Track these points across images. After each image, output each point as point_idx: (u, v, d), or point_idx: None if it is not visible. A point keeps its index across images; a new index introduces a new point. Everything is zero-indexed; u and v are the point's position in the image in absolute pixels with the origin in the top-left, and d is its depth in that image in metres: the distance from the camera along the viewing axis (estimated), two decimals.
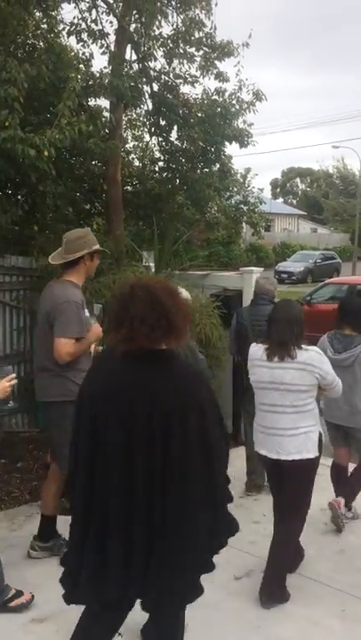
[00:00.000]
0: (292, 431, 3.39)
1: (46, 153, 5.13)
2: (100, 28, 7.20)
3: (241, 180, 12.03)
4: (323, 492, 4.76)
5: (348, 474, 4.61)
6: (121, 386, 2.24)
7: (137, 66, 7.53)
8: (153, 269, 6.86)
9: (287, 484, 3.56)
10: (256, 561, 4.00)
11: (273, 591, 3.53)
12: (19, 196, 6.74)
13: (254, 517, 4.66)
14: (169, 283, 2.53)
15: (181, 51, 7.70)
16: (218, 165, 8.33)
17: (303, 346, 3.42)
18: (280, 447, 3.45)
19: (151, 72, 7.69)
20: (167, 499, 2.17)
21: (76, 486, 2.33)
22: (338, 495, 4.46)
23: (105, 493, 2.24)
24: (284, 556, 3.63)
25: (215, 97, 7.92)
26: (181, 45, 7.68)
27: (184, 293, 3.26)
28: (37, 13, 6.88)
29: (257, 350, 3.58)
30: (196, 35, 7.73)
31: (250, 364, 3.65)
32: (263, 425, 3.57)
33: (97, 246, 3.93)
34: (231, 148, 8.20)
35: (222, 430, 2.37)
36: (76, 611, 2.51)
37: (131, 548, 2.20)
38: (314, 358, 3.39)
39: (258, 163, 21.22)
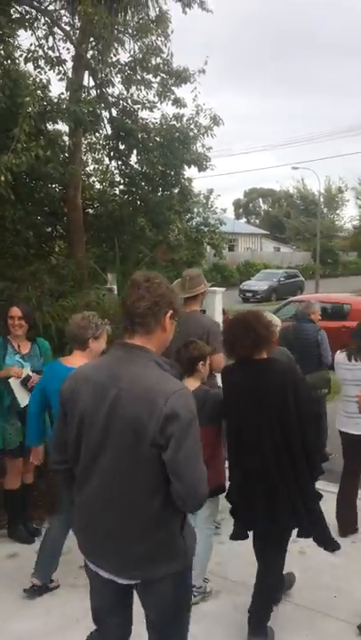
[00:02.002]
0: None
1: (3, 178, 5.14)
2: (58, 54, 7.29)
3: (204, 201, 12.20)
4: None
5: None
6: (235, 384, 3.24)
7: (95, 92, 7.61)
8: (116, 291, 6.88)
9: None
10: (222, 582, 3.99)
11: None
12: None
13: (219, 539, 4.66)
14: (259, 311, 3.46)
15: (139, 77, 7.82)
16: (178, 188, 8.45)
17: None
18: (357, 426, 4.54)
19: (109, 98, 7.79)
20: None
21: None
22: None
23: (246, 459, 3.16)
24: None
25: (173, 122, 8.05)
26: (139, 72, 7.80)
27: (275, 320, 4.19)
28: None
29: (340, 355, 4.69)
30: (154, 61, 7.87)
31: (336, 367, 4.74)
32: (346, 410, 4.61)
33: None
34: (193, 170, 8.34)
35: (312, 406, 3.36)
36: None
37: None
38: None
39: (220, 184, 21.58)
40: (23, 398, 4.39)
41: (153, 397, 2.05)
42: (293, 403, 3.04)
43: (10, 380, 4.41)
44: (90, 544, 2.28)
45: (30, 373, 4.43)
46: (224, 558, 4.25)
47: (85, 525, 2.28)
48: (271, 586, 3.39)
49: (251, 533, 3.37)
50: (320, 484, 4.03)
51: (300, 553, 4.39)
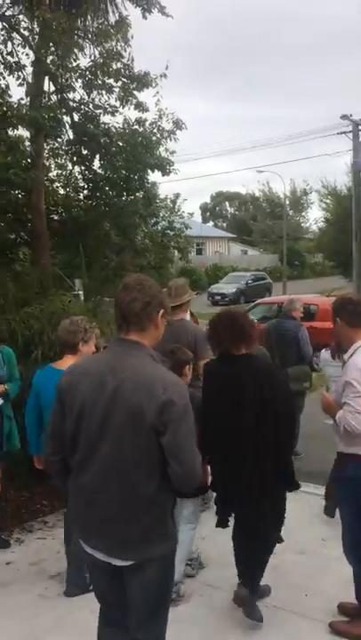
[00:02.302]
0: None
1: None
2: (17, 60, 7.23)
3: (171, 206, 12.23)
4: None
5: None
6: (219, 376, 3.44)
7: (55, 97, 7.57)
8: (82, 297, 6.83)
9: None
10: (195, 585, 3.98)
11: None
12: None
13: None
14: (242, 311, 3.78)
15: (100, 82, 7.82)
16: (142, 193, 8.45)
17: None
18: None
19: (70, 103, 7.77)
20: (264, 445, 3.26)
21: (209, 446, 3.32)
22: None
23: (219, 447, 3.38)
24: None
25: (136, 126, 8.06)
26: (100, 76, 7.80)
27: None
28: None
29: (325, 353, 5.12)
30: (114, 66, 7.88)
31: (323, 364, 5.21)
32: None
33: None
34: (158, 175, 8.37)
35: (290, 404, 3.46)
36: None
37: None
38: None
39: (187, 188, 21.62)
40: None
41: (152, 386, 2.23)
42: (271, 399, 3.23)
43: None
44: (87, 528, 2.39)
45: None
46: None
47: (83, 510, 2.38)
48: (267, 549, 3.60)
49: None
50: None
51: None
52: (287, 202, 51.29)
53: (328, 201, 30.37)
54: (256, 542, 3.51)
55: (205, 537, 4.41)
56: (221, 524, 3.57)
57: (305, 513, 4.99)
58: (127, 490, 2.26)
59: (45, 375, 3.86)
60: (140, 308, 2.34)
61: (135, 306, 2.34)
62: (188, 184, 23.24)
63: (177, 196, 15.17)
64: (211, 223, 68.52)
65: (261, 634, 3.47)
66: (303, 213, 60.26)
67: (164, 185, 9.55)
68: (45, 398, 3.71)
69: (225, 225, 69.89)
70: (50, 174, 8.60)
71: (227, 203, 75.30)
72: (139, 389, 2.23)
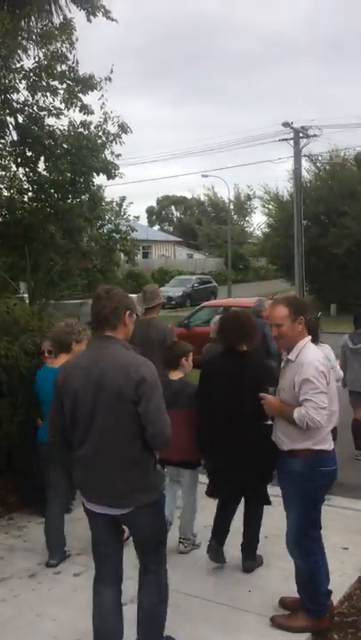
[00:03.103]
0: None
1: None
2: None
3: (117, 209, 12.21)
4: (204, 509, 4.94)
5: None
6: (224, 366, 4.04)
7: None
8: (27, 300, 6.76)
9: None
10: None
11: None
12: None
13: None
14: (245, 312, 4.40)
15: (45, 83, 7.77)
16: (87, 196, 8.44)
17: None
18: None
19: (14, 104, 7.67)
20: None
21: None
22: (357, 447, 6.73)
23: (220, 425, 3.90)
24: None
25: (81, 129, 8.04)
26: (44, 78, 7.75)
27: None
28: None
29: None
30: (59, 68, 7.85)
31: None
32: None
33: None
34: (103, 178, 8.37)
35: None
36: None
37: None
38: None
39: (133, 191, 21.59)
40: None
41: (127, 368, 2.85)
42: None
43: None
44: (88, 488, 3.02)
45: None
46: None
47: (85, 474, 3.00)
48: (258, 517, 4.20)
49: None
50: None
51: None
52: (232, 206, 51.98)
53: (271, 206, 30.94)
54: (259, 506, 4.14)
55: None
56: (213, 494, 4.19)
57: None
58: (116, 453, 2.88)
59: (43, 374, 4.40)
60: (109, 312, 2.93)
61: (105, 311, 2.93)
62: (134, 187, 23.26)
63: (123, 199, 15.21)
64: (157, 227, 68.66)
65: (207, 629, 3.54)
66: (247, 218, 61.25)
67: (110, 188, 9.57)
68: (44, 393, 4.20)
69: (171, 229, 70.13)
70: None
71: (173, 207, 75.59)
72: (117, 372, 2.84)
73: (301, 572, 3.54)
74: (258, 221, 78.45)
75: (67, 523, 4.41)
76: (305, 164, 27.32)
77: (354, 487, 5.84)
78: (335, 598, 3.79)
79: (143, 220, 54.43)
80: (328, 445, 3.43)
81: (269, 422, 3.63)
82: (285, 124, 24.55)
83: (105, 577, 3.15)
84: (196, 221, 63.46)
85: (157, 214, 75.56)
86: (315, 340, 5.38)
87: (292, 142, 25.19)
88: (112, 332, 2.95)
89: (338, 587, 3.91)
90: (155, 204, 75.45)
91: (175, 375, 4.44)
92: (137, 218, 11.16)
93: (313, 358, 3.36)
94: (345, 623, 3.62)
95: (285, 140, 25.23)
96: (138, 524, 3.01)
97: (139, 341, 4.86)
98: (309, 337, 3.53)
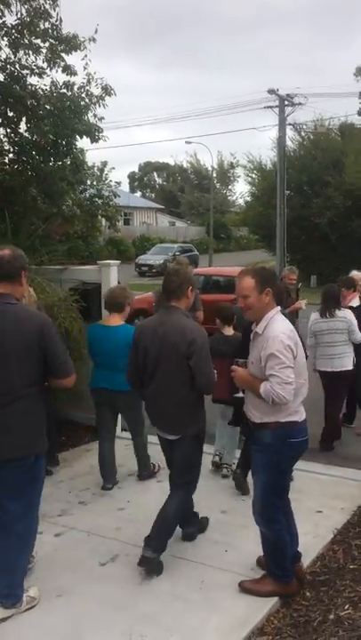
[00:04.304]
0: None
1: None
2: None
3: (98, 174, 12.03)
4: None
5: None
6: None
7: None
8: None
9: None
10: (121, 546, 4.12)
11: None
12: None
13: (119, 505, 4.79)
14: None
15: (27, 41, 7.53)
16: (70, 159, 8.28)
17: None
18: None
19: None
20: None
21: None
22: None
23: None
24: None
25: (64, 90, 7.85)
26: (27, 36, 7.52)
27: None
28: None
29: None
30: (42, 26, 7.60)
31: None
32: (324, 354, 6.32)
33: None
34: (85, 141, 8.19)
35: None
36: None
37: None
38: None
39: (115, 156, 21.30)
40: None
41: (183, 331, 3.73)
42: None
43: None
44: (153, 418, 3.99)
45: None
46: (122, 523, 4.37)
47: (151, 408, 4.00)
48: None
49: None
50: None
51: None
52: (215, 174, 51.57)
53: (254, 175, 30.73)
54: None
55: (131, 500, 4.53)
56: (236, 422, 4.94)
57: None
58: (171, 394, 3.79)
59: (96, 330, 5.10)
60: (176, 286, 3.83)
61: (173, 285, 3.84)
62: (116, 152, 22.93)
63: (104, 164, 14.99)
64: (139, 193, 67.94)
65: (184, 587, 3.66)
66: (230, 187, 60.85)
67: (91, 152, 9.38)
68: (96, 346, 5.05)
69: (153, 196, 69.48)
70: None
71: (155, 173, 74.76)
72: (175, 334, 3.73)
73: (267, 540, 3.62)
74: (240, 190, 78.18)
75: (48, 486, 4.47)
76: (289, 132, 27.16)
77: (330, 455, 6.01)
78: (308, 558, 3.93)
79: (125, 186, 53.80)
80: (298, 417, 3.43)
81: (240, 395, 3.67)
82: (271, 91, 24.27)
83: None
84: (179, 189, 62.91)
85: (139, 180, 74.70)
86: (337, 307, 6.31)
87: (277, 110, 24.95)
88: (176, 303, 3.84)
89: (311, 547, 4.06)
90: (137, 170, 74.59)
91: (228, 331, 5.47)
92: (118, 184, 11.02)
93: (279, 332, 3.31)
94: (317, 582, 3.76)
95: (270, 107, 24.98)
96: (181, 448, 3.87)
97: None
98: (278, 308, 3.49)
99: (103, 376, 5.01)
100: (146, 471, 5.28)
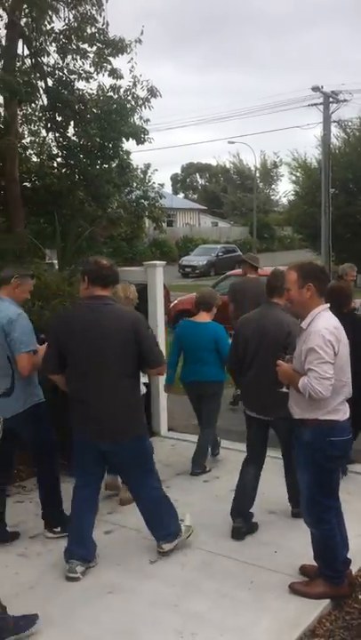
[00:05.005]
0: None
1: None
2: None
3: (141, 176, 12.11)
4: (230, 474, 5.03)
5: None
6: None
7: (30, 61, 7.43)
8: (56, 266, 6.82)
9: None
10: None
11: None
12: None
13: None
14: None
15: (74, 46, 7.69)
16: (116, 161, 8.39)
17: None
18: None
19: (45, 67, 7.63)
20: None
21: None
22: None
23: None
24: None
25: (110, 93, 7.97)
26: (74, 41, 7.67)
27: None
28: None
29: None
30: (89, 30, 7.76)
31: None
32: None
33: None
34: (130, 144, 8.31)
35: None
36: None
37: None
38: None
39: (157, 158, 21.43)
40: None
41: (281, 324, 4.14)
42: None
43: None
44: (253, 402, 4.30)
45: None
46: None
47: (250, 392, 4.31)
48: None
49: None
50: None
51: None
52: (258, 174, 51.22)
53: (298, 174, 30.34)
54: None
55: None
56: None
57: (276, 476, 5.19)
58: (268, 379, 3.85)
59: (186, 326, 5.55)
60: (279, 285, 4.09)
61: (277, 284, 4.17)
62: (158, 154, 23.07)
63: (148, 166, 15.09)
64: (181, 195, 68.04)
65: (232, 588, 3.65)
66: (273, 186, 60.26)
67: (135, 155, 9.48)
68: (187, 340, 5.45)
69: (196, 197, 69.47)
70: (23, 141, 8.46)
71: (197, 174, 74.72)
72: (274, 326, 4.14)
73: (316, 540, 3.57)
74: (284, 189, 77.36)
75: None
76: (334, 129, 26.65)
77: None
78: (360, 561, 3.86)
79: (168, 188, 53.90)
80: (340, 416, 3.38)
81: (285, 390, 3.64)
82: (315, 89, 23.90)
83: (251, 460, 4.41)
84: (222, 189, 62.70)
85: (182, 182, 74.80)
86: None
87: (321, 107, 24.57)
88: (278, 299, 4.22)
89: (360, 552, 3.98)
90: (179, 172, 74.72)
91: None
92: (162, 185, 11.06)
93: (322, 327, 3.29)
94: None
95: (315, 105, 24.61)
96: (277, 428, 4.30)
97: (251, 295, 6.65)
98: (325, 305, 3.44)
99: (193, 370, 5.44)
100: (199, 469, 5.40)
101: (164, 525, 3.96)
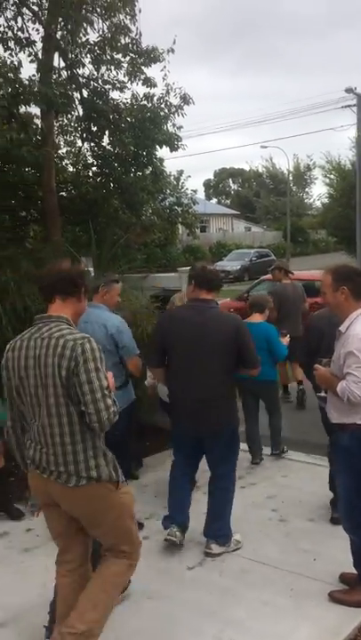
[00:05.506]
0: None
1: None
2: (27, 35, 7.21)
3: (174, 183, 12.17)
4: (267, 481, 5.02)
5: None
6: None
7: (65, 73, 7.57)
8: (92, 274, 6.91)
9: None
10: None
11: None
12: None
13: (204, 509, 4.82)
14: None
15: (109, 57, 7.80)
16: (150, 169, 8.47)
17: None
18: None
19: (80, 78, 7.75)
20: None
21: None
22: None
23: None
24: None
25: (144, 102, 8.05)
26: (108, 52, 7.78)
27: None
28: None
29: None
30: (123, 41, 7.84)
31: None
32: None
33: None
34: (163, 151, 8.38)
35: None
36: (35, 616, 2.56)
37: None
38: None
39: (190, 164, 21.47)
40: None
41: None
42: None
43: None
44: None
45: None
46: None
47: None
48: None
49: None
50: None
51: (281, 520, 4.58)
52: (291, 177, 50.89)
53: (332, 176, 30.04)
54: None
55: None
56: None
57: (314, 483, 5.16)
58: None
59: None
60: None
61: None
62: (191, 160, 23.14)
63: (180, 172, 15.14)
64: (214, 200, 68.05)
65: (272, 594, 3.64)
66: (307, 189, 59.81)
67: (168, 161, 9.53)
68: None
69: (228, 202, 69.37)
70: (59, 151, 8.61)
71: (230, 179, 74.64)
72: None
73: (356, 547, 3.53)
74: (318, 192, 76.61)
75: (135, 490, 4.57)
76: None
77: None
78: None
79: (200, 194, 53.94)
80: None
81: (323, 394, 3.60)
82: (348, 90, 23.70)
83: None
84: (254, 194, 62.52)
85: (215, 187, 74.81)
86: None
87: (355, 109, 24.34)
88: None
89: None
90: (212, 177, 74.74)
91: None
92: (195, 191, 11.11)
93: (359, 330, 3.25)
94: None
95: (348, 106, 24.43)
96: None
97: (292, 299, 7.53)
98: None
99: None
100: (277, 450, 5.89)
101: (222, 523, 4.12)
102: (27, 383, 2.73)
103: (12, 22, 7.07)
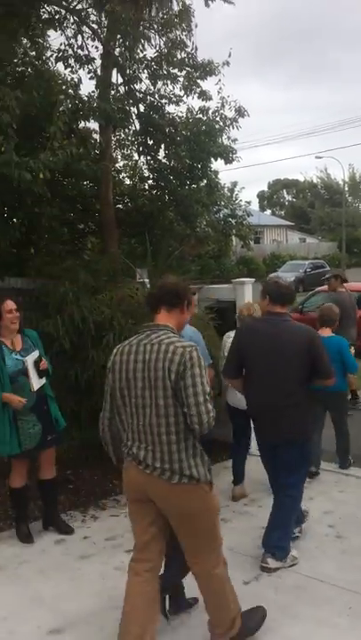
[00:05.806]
0: None
1: (42, 176, 5.26)
2: (86, 53, 7.40)
3: (228, 194, 12.17)
4: (323, 495, 4.92)
5: None
6: None
7: (123, 88, 7.71)
8: (148, 285, 6.98)
9: None
10: None
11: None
12: (15, 219, 6.87)
13: (260, 523, 4.77)
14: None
15: (165, 72, 7.89)
16: (205, 181, 8.51)
17: None
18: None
19: (137, 93, 7.88)
20: None
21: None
22: None
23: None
24: None
25: (199, 115, 8.11)
26: (165, 66, 7.88)
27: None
28: (24, 40, 7.06)
29: None
30: (179, 55, 7.92)
31: None
32: None
33: None
34: (217, 163, 8.41)
35: None
36: (91, 622, 2.58)
37: None
38: None
39: (244, 176, 21.52)
40: (35, 382, 4.38)
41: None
42: None
43: (27, 359, 4.38)
44: None
45: (40, 356, 4.47)
46: None
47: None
48: None
49: None
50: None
51: (337, 537, 4.48)
52: (346, 188, 50.15)
53: None
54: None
55: None
56: None
57: None
58: None
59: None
60: None
61: None
62: (245, 172, 23.11)
63: (234, 184, 15.17)
64: (268, 211, 67.71)
65: (330, 613, 3.55)
66: None
67: (222, 173, 9.56)
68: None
69: (283, 213, 68.91)
70: (116, 165, 8.77)
71: (284, 190, 74.17)
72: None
73: None
74: None
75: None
76: None
77: None
78: None
79: (255, 205, 53.74)
80: None
81: None
82: None
83: None
84: (309, 205, 61.93)
85: (269, 199, 74.48)
86: None
87: None
88: None
89: None
90: (266, 189, 74.46)
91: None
92: (248, 203, 11.08)
93: None
94: None
95: None
96: None
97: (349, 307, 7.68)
98: None
99: None
100: (346, 462, 5.92)
101: (283, 533, 4.10)
102: (133, 385, 2.92)
103: (73, 40, 7.28)
